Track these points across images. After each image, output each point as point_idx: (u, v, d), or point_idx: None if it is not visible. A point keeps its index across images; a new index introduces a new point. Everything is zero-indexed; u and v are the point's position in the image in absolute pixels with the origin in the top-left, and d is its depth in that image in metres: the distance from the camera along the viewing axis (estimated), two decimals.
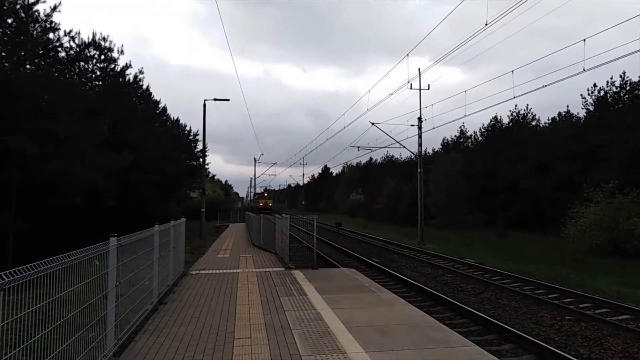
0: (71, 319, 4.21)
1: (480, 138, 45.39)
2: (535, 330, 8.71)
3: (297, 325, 6.78)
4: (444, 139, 52.27)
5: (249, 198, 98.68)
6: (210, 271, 12.20)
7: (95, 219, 20.89)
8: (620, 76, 29.46)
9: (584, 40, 14.98)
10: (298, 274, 11.37)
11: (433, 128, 31.50)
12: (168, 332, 6.50)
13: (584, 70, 15.07)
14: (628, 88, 29.29)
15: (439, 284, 13.74)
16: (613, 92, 30.27)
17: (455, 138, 50.08)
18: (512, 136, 38.89)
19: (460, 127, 49.58)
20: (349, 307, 7.92)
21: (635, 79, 28.70)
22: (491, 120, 43.20)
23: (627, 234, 20.03)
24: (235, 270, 12.26)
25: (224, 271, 12.19)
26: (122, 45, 27.67)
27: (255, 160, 70.22)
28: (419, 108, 29.44)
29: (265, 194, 70.78)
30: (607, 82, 30.41)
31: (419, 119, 29.56)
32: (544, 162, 32.86)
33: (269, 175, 78.06)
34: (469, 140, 48.42)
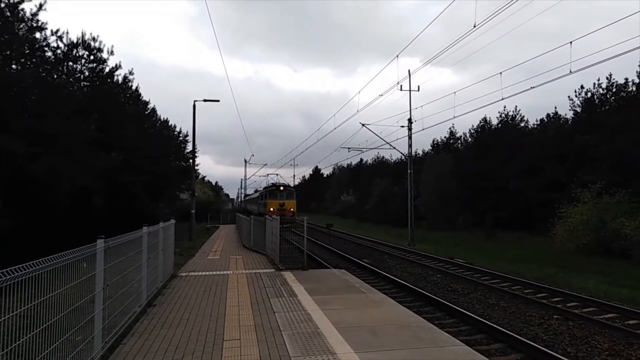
0: (57, 322, 4.16)
1: (469, 139, 45.64)
2: (523, 330, 8.79)
3: (287, 327, 6.77)
4: (433, 140, 52.50)
5: (239, 199, 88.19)
6: (200, 273, 12.13)
7: (84, 220, 20.67)
8: (607, 78, 29.82)
9: (571, 42, 15.20)
10: (288, 275, 11.35)
11: (423, 129, 31.73)
12: (157, 335, 6.45)
13: (570, 72, 15.25)
14: (614, 90, 29.62)
15: (429, 284, 13.80)
16: (600, 93, 30.57)
17: (445, 139, 50.31)
18: (501, 137, 39.14)
19: (450, 128, 49.86)
20: (339, 308, 7.93)
21: (621, 80, 29.10)
22: (480, 122, 43.42)
23: (614, 233, 20.28)
24: (225, 272, 12.20)
25: (214, 273, 12.13)
26: (112, 46, 27.48)
27: (245, 161, 69.31)
28: (409, 109, 29.62)
29: (281, 188, 37.95)
30: (594, 84, 30.76)
31: (409, 120, 29.73)
32: (532, 163, 33.12)
33: (260, 176, 76.88)
34: (459, 142, 48.63)
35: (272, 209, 32.63)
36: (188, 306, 8.22)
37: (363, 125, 30.92)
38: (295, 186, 62.99)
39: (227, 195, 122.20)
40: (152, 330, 6.70)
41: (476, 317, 9.22)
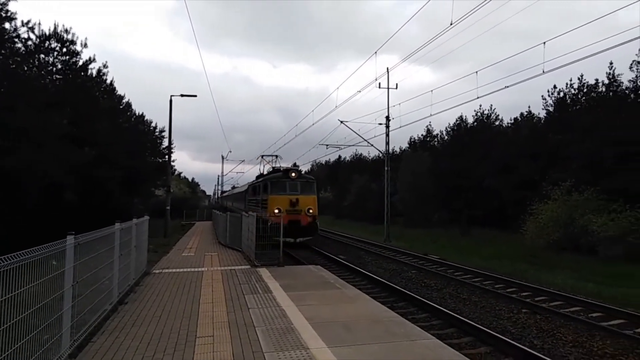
0: (23, 320, 4.08)
1: (446, 137, 46.36)
2: (493, 323, 9.02)
3: (261, 323, 6.79)
4: (411, 138, 53.08)
5: (216, 196, 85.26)
6: (174, 270, 12.01)
7: (57, 216, 20.18)
8: (579, 78, 30.71)
9: (544, 43, 15.54)
10: (264, 272, 11.36)
11: (400, 127, 31.99)
12: (128, 332, 6.38)
13: (543, 72, 15.60)
14: (585, 90, 30.52)
15: (403, 280, 14.00)
16: (572, 93, 31.44)
17: (422, 137, 50.98)
18: (476, 136, 39.86)
19: (427, 126, 50.53)
20: (313, 304, 7.99)
21: (592, 81, 29.99)
22: (457, 120, 44.19)
23: (582, 230, 20.95)
24: (199, 269, 12.12)
25: (188, 270, 12.03)
26: (86, 39, 26.82)
27: (222, 157, 68.46)
28: (387, 107, 29.90)
29: (293, 174, 21.90)
30: (567, 84, 31.62)
31: (387, 117, 29.99)
32: (506, 161, 33.84)
33: (237, 172, 75.34)
34: (436, 139, 49.34)
35: (277, 210, 19.04)
36: (161, 303, 8.14)
37: (341, 122, 31.03)
38: None
39: (204, 191, 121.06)
40: (123, 327, 6.62)
41: (448, 311, 9.41)
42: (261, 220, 15.02)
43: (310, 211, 20.66)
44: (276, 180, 21.40)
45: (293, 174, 21.55)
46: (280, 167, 24.58)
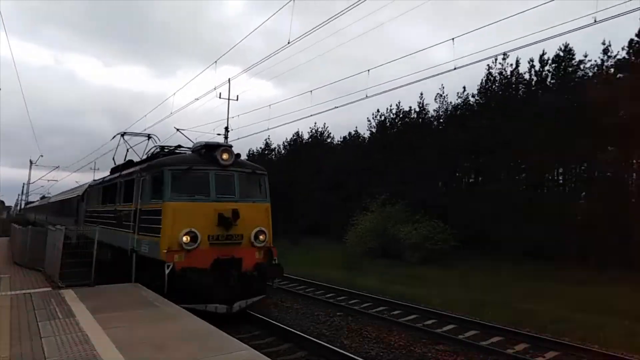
0: None
1: (283, 151, 48.21)
2: (310, 328, 9.57)
3: (55, 353, 5.92)
4: (250, 150, 53.76)
5: (18, 207, 73.22)
6: None
7: None
8: (397, 105, 35.49)
9: (368, 70, 17.43)
10: (68, 294, 9.97)
11: (239, 138, 32.16)
12: None
13: (366, 96, 17.49)
14: (401, 115, 35.37)
15: None
16: (391, 118, 36.11)
17: (261, 149, 52.02)
18: (311, 151, 42.42)
19: (266, 139, 51.83)
20: (125, 326, 7.31)
21: (407, 108, 34.94)
22: (293, 135, 46.48)
23: (393, 238, 23.87)
24: None
25: None
26: None
27: (31, 162, 58.23)
28: (226, 117, 29.67)
29: (225, 155, 10.47)
30: (387, 108, 36.26)
31: (226, 128, 29.76)
32: (336, 176, 36.79)
33: (49, 180, 63.79)
34: (274, 153, 50.90)
35: (187, 238, 9.60)
36: None
37: (177, 130, 29.49)
38: None
39: (2, 202, 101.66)
40: None
41: (270, 320, 9.65)
42: (146, 261, 9.72)
43: (261, 237, 10.64)
44: (186, 169, 10.32)
45: (225, 156, 10.71)
46: (176, 147, 12.89)
